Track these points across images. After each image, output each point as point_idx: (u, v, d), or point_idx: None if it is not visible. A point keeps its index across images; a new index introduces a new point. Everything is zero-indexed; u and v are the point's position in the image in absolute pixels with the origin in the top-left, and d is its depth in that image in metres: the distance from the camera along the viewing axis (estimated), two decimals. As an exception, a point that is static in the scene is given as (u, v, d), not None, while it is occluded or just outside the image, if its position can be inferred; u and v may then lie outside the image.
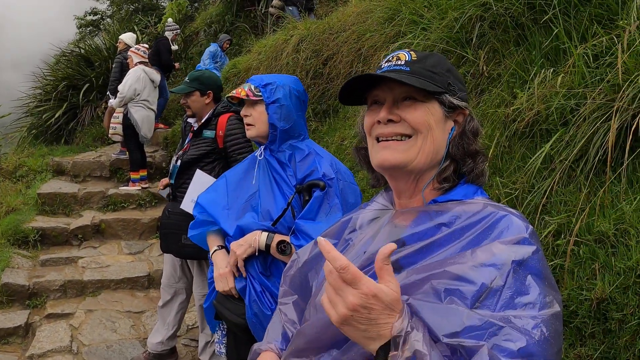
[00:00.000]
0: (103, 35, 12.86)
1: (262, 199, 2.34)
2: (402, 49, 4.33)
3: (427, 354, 0.93)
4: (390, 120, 1.20)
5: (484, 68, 3.60)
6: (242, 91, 2.37)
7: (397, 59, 1.24)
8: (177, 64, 10.30)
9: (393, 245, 0.98)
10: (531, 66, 3.31)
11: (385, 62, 1.26)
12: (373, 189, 1.35)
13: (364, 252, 1.24)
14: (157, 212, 6.95)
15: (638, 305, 2.08)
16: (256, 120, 2.37)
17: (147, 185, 7.61)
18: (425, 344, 0.95)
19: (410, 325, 0.97)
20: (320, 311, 1.18)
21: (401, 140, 1.20)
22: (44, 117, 10.63)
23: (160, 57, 9.43)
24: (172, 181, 3.75)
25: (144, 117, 7.35)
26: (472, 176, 1.24)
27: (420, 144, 1.19)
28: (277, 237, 2.22)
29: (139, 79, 7.36)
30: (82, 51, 11.71)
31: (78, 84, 10.74)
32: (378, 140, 1.23)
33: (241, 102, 2.48)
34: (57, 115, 10.36)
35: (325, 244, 0.99)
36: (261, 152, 2.45)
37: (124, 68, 8.10)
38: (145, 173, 7.73)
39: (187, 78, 3.76)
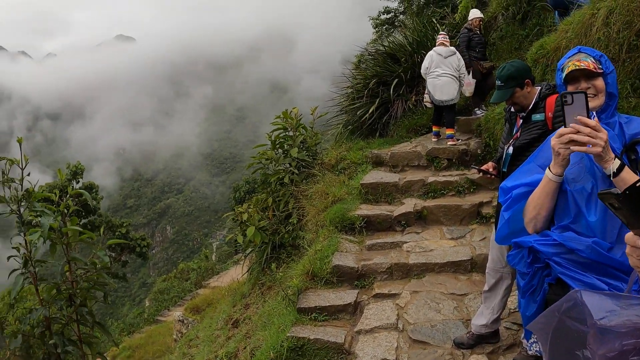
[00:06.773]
0: (404, 32, 13.04)
1: None
2: None
3: None
4: None
5: None
6: (589, 64, 2.39)
7: None
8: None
9: None
10: None
11: None
12: None
13: None
14: (476, 198, 7.03)
15: None
16: (599, 91, 2.41)
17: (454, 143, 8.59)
18: None
19: None
20: None
21: None
22: (358, 113, 11.36)
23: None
24: (504, 169, 3.80)
25: (435, 85, 8.90)
26: None
27: None
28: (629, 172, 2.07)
29: (427, 56, 9.19)
30: (387, 49, 12.21)
31: (387, 80, 11.23)
32: None
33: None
34: (370, 111, 10.93)
35: None
36: None
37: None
38: (438, 129, 9.06)
39: (498, 81, 3.71)
